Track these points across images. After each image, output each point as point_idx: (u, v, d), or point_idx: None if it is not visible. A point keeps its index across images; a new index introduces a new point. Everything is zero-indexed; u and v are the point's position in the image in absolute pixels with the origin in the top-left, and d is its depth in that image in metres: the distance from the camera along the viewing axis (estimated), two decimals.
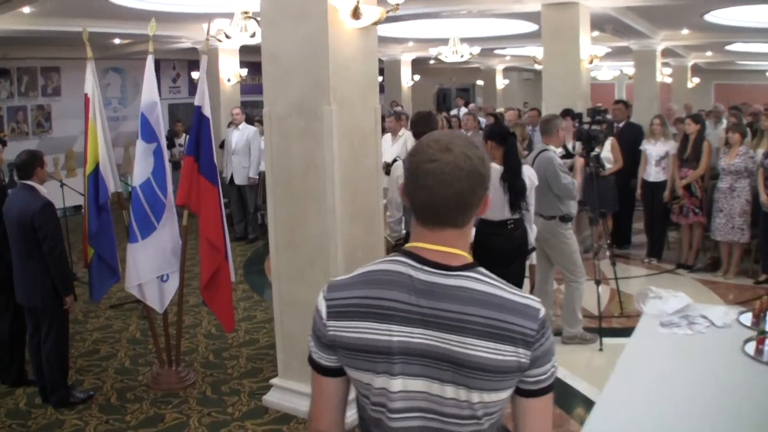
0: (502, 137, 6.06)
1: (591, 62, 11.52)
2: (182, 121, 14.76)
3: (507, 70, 26.36)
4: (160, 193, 6.05)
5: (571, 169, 7.22)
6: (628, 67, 19.85)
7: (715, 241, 9.45)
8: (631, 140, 10.39)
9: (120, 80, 16.93)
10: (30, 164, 5.69)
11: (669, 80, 21.66)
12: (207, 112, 6.04)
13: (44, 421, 5.62)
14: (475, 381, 1.87)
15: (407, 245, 2.02)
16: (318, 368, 2.08)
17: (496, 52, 21.64)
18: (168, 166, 6.16)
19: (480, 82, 26.42)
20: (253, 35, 9.67)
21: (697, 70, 24.23)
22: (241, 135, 11.78)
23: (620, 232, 10.87)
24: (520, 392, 1.94)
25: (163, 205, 6.06)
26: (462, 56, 15.12)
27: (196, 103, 6.03)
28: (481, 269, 1.97)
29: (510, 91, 27.03)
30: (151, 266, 6.07)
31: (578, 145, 8.15)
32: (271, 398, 5.80)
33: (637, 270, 9.91)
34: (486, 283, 1.92)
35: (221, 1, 10.98)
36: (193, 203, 6.04)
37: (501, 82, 25.93)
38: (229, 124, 12.66)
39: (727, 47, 19.98)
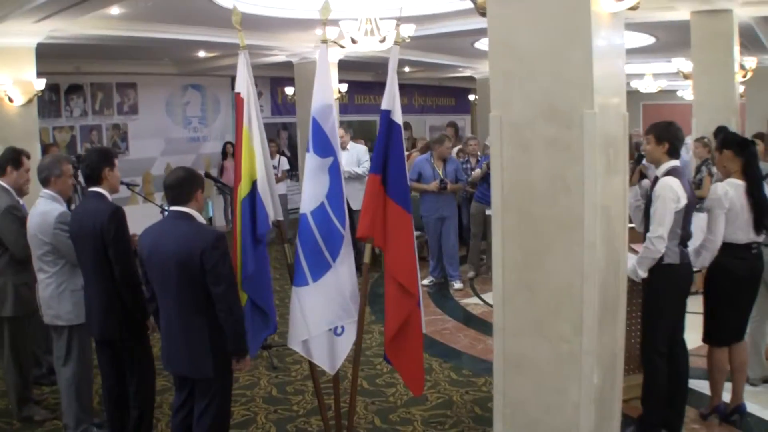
0: (742, 146, 5.22)
1: (745, 76, 10.25)
2: (276, 141, 13.69)
3: None
4: (337, 221, 4.80)
5: None
6: None
7: None
8: None
9: (200, 98, 15.88)
10: (190, 186, 4.41)
11: None
12: (398, 117, 4.79)
13: None
14: None
15: None
16: None
17: None
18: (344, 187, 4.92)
19: None
20: (383, 41, 8.48)
21: None
22: (351, 156, 10.48)
23: None
24: None
25: (341, 237, 4.81)
26: None
27: (384, 106, 4.75)
28: None
29: None
30: (324, 316, 4.81)
31: None
32: None
33: None
34: None
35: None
36: (378, 234, 4.77)
37: None
38: None
39: None
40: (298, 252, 4.77)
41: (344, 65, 13.82)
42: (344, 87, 13.82)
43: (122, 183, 6.46)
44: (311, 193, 4.79)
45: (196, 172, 4.62)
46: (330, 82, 4.94)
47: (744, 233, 5.16)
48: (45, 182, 5.24)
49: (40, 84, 10.05)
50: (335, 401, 5.07)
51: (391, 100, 4.75)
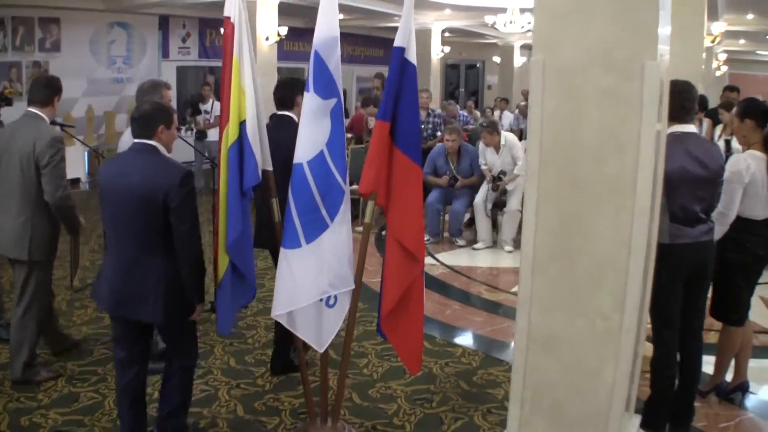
0: (766, 116, 4.77)
1: (713, 41, 9.98)
2: (210, 84, 12.97)
3: (524, 48, 24.55)
4: (338, 174, 4.15)
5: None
6: None
7: None
8: None
9: (126, 37, 14.90)
10: (153, 120, 4.02)
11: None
12: (412, 57, 4.18)
13: None
14: None
15: None
16: None
17: (522, 26, 20.20)
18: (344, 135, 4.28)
19: (496, 59, 24.66)
20: None
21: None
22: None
23: None
24: None
25: (342, 192, 4.15)
26: (522, 27, 13.87)
27: (398, 43, 4.12)
28: None
29: (525, 70, 25.24)
30: (315, 283, 4.13)
31: None
32: None
33: None
34: None
35: None
36: (383, 190, 4.17)
37: (519, 60, 24.29)
38: None
39: None
40: (290, 209, 4.10)
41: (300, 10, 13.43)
42: (284, 30, 13.21)
43: (54, 123, 5.91)
44: (309, 139, 4.11)
45: (164, 108, 4.16)
46: (336, 11, 4.28)
47: (762, 208, 4.77)
48: None
49: None
50: (322, 381, 4.51)
51: (407, 36, 4.15)
